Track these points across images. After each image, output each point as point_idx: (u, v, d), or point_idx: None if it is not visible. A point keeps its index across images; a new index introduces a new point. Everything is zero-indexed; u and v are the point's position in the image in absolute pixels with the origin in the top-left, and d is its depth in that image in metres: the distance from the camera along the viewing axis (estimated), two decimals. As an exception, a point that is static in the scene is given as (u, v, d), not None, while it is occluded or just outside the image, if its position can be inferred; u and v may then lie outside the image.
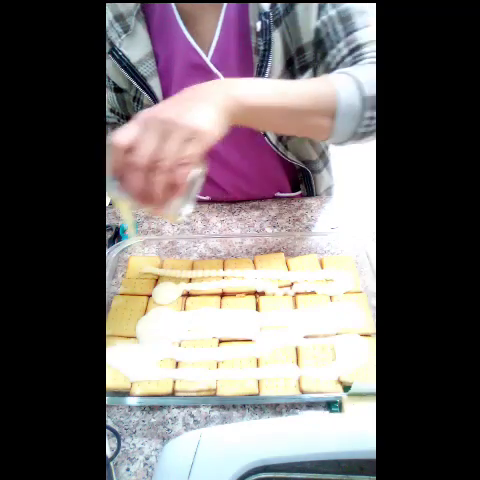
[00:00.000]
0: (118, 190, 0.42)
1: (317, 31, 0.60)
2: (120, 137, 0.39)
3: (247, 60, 0.63)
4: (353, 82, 0.50)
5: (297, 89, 0.50)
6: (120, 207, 0.51)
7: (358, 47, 0.57)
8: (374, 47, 0.56)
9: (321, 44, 0.61)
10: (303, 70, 0.65)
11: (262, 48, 0.59)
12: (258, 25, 0.58)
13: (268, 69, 0.60)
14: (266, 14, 0.58)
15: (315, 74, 0.65)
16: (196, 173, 0.42)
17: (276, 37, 0.60)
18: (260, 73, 0.61)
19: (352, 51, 0.57)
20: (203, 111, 0.41)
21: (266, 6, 0.58)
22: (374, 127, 0.52)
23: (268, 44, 0.59)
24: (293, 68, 0.65)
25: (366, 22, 0.58)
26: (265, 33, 0.58)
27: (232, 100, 0.44)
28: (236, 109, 0.44)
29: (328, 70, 0.61)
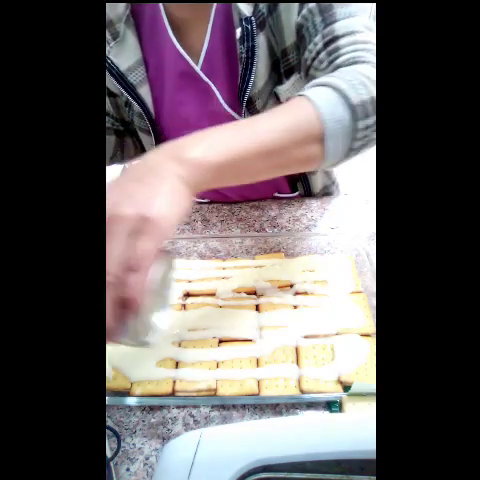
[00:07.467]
0: None
1: (298, 27, 0.54)
2: None
3: (234, 68, 0.60)
4: (333, 92, 0.42)
5: (269, 122, 0.41)
6: None
7: (334, 40, 0.49)
8: (352, 39, 0.48)
9: (301, 41, 0.54)
10: (288, 74, 0.61)
11: (244, 55, 0.55)
12: (238, 32, 0.53)
13: (252, 77, 0.57)
14: (247, 19, 0.53)
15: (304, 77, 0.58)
16: (162, 271, 0.33)
17: (261, 42, 0.55)
18: (244, 81, 0.58)
19: (327, 44, 0.49)
20: (151, 192, 0.32)
21: (247, 11, 0.53)
22: (373, 135, 0.43)
23: (252, 51, 0.55)
24: (279, 72, 0.61)
25: (349, 13, 0.49)
26: (247, 39, 0.54)
27: (188, 166, 0.35)
28: (197, 175, 0.35)
29: (305, 68, 0.54)
